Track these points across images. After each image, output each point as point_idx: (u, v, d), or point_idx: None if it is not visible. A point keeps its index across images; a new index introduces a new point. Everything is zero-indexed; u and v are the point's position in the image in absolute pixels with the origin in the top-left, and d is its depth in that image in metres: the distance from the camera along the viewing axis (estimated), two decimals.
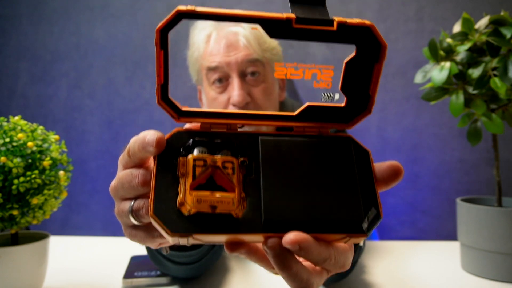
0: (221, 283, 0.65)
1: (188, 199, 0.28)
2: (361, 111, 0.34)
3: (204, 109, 0.33)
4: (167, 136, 0.31)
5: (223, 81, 0.80)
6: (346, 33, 0.30)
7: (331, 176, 0.31)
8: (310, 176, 0.30)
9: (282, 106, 0.91)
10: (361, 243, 0.63)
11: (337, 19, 0.30)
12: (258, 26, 0.30)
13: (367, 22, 0.30)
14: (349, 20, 0.30)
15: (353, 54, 0.32)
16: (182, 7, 0.29)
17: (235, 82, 0.78)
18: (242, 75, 0.79)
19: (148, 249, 0.63)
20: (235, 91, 0.77)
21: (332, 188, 0.30)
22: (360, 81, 0.33)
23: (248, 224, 0.28)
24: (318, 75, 0.32)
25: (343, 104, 0.34)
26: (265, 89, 0.81)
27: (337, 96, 0.34)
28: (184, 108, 0.32)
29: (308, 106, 0.34)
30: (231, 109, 0.72)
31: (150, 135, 0.30)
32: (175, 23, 0.29)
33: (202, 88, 0.87)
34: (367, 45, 0.31)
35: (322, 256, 0.30)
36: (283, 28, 0.29)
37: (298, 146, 0.32)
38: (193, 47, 0.85)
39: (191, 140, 0.31)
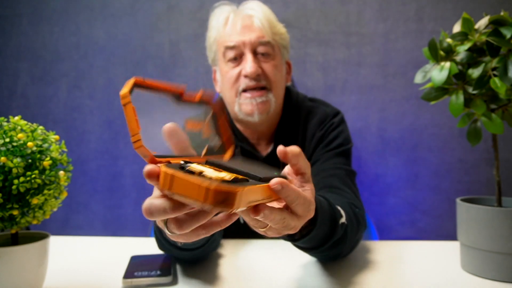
0: (218, 273, 0.66)
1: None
2: (227, 147, 0.52)
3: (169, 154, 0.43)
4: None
5: (237, 59, 0.91)
6: (203, 102, 0.49)
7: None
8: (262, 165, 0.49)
9: (288, 91, 1.00)
10: (343, 220, 0.66)
11: (197, 95, 0.48)
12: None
13: (206, 98, 0.49)
14: (198, 96, 0.48)
15: (210, 114, 0.50)
16: (138, 79, 0.41)
17: (248, 57, 0.89)
18: (255, 53, 0.90)
19: (155, 235, 0.68)
20: (248, 63, 0.88)
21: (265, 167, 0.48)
22: (218, 129, 0.51)
23: (257, 180, 0.41)
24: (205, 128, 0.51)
25: (219, 144, 0.51)
26: (275, 65, 0.92)
27: (216, 139, 0.51)
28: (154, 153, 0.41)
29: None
30: (243, 81, 0.89)
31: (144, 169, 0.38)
32: (132, 90, 0.40)
33: (217, 68, 0.97)
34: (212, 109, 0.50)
35: (295, 193, 0.42)
36: (176, 99, 0.47)
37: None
38: (212, 29, 0.96)
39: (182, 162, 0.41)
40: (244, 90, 0.90)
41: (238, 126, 0.98)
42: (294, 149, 0.46)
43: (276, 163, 0.91)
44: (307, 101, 1.01)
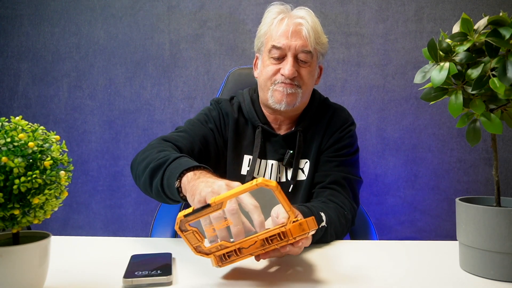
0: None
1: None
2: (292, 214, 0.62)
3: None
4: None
5: (280, 59, 1.05)
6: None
7: None
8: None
9: (313, 91, 1.14)
10: (324, 223, 0.84)
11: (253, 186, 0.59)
12: None
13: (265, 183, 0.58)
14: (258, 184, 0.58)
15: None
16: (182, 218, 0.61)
17: (289, 60, 1.03)
18: (295, 57, 1.04)
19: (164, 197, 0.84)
20: (288, 65, 1.02)
21: None
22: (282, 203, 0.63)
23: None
24: None
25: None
26: (310, 71, 1.06)
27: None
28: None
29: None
30: (280, 77, 1.04)
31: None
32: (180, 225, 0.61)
33: (260, 56, 1.12)
34: None
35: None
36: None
37: None
38: (265, 24, 1.09)
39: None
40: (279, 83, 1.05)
41: (264, 110, 1.12)
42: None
43: (292, 142, 1.09)
44: (333, 103, 1.17)
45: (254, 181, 0.57)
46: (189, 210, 0.60)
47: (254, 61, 1.16)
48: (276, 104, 1.05)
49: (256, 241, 0.62)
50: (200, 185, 0.70)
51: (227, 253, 0.64)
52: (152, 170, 0.86)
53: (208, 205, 0.59)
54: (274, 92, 1.05)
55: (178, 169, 0.79)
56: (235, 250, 0.63)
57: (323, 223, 0.85)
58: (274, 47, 1.04)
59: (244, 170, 1.08)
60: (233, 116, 1.10)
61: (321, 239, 0.85)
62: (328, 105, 1.15)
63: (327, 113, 1.12)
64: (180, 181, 0.78)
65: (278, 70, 1.04)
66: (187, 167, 0.78)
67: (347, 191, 1.03)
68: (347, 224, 0.97)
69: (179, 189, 0.78)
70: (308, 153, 1.09)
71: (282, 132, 1.12)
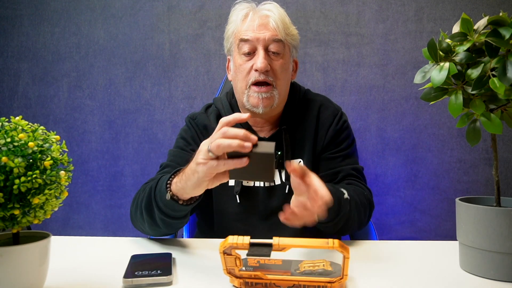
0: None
1: None
2: None
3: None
4: None
5: (250, 54, 1.00)
6: None
7: None
8: None
9: (293, 85, 1.10)
10: (346, 195, 0.86)
11: None
12: None
13: None
14: None
15: None
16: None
17: (260, 53, 0.98)
18: (266, 50, 0.99)
19: (153, 205, 0.82)
20: (259, 59, 0.97)
21: None
22: None
23: None
24: None
25: None
26: (283, 64, 1.01)
27: None
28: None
29: None
30: (253, 74, 0.99)
31: None
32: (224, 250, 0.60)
33: (232, 57, 1.07)
34: None
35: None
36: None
37: None
38: (231, 23, 1.05)
39: None
40: (253, 84, 1.00)
41: None
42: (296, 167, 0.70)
43: (279, 143, 1.04)
44: (314, 95, 1.13)
45: (330, 243, 0.57)
46: (246, 242, 0.58)
47: (226, 64, 1.12)
48: (253, 108, 1.01)
49: (294, 285, 0.62)
50: (187, 183, 0.74)
51: (256, 283, 0.63)
52: (147, 209, 0.86)
53: (269, 244, 0.58)
54: (249, 98, 1.00)
55: (163, 188, 0.80)
56: (266, 283, 0.62)
57: (346, 195, 0.86)
58: (242, 40, 1.00)
59: (232, 180, 1.03)
60: (211, 127, 1.05)
61: (346, 214, 0.86)
62: (310, 99, 1.10)
63: (312, 108, 1.08)
64: (171, 193, 0.80)
65: (251, 68, 0.99)
66: (166, 183, 0.80)
67: (360, 180, 1.04)
68: (369, 204, 0.98)
69: (174, 199, 0.79)
70: (301, 152, 1.05)
71: (266, 134, 1.07)
